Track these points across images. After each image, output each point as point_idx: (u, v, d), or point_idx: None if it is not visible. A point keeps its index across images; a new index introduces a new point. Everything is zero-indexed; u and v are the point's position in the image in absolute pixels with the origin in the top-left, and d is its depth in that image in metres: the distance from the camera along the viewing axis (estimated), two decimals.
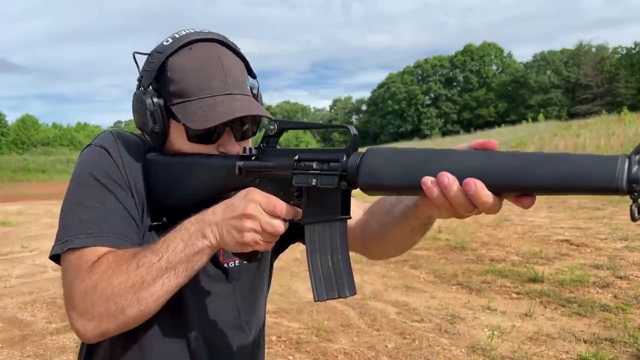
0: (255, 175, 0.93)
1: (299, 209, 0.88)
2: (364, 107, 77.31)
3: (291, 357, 3.65)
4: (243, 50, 1.08)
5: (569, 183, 0.64)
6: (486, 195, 0.68)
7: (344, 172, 0.82)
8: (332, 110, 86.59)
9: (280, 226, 0.86)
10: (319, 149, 0.89)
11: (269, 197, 0.87)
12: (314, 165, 0.85)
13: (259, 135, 1.01)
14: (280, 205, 0.86)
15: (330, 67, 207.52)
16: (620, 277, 5.00)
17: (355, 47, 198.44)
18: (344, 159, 0.82)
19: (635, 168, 0.62)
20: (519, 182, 0.67)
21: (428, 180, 0.71)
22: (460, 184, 0.69)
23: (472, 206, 0.69)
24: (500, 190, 0.69)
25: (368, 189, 0.80)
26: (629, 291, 4.61)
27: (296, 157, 0.88)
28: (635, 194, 0.62)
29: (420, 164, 0.74)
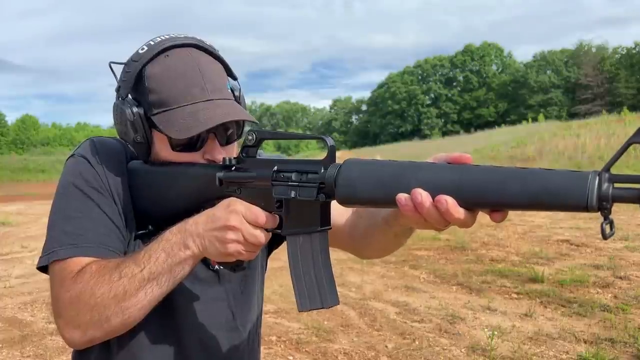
0: (236, 186, 0.93)
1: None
2: (364, 107, 77.20)
3: (291, 357, 3.65)
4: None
5: (540, 200, 0.64)
6: (457, 212, 0.69)
7: (322, 184, 0.82)
8: (332, 111, 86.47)
9: (262, 237, 0.87)
10: (298, 160, 0.89)
11: (250, 208, 0.87)
12: (293, 176, 0.85)
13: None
14: (262, 216, 0.87)
15: (332, 67, 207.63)
16: (620, 277, 5.00)
17: (356, 47, 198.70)
18: (322, 170, 0.83)
19: (605, 185, 0.61)
20: (490, 199, 0.68)
21: (402, 197, 0.72)
22: (434, 200, 0.70)
23: (445, 221, 0.71)
24: (471, 206, 0.70)
25: (345, 202, 0.81)
26: (629, 291, 4.61)
27: (275, 168, 0.88)
28: (606, 211, 0.62)
29: (395, 178, 0.75)
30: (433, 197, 0.70)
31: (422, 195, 0.70)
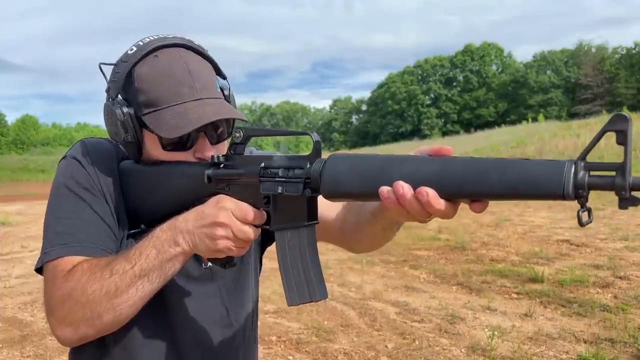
0: (225, 183, 0.95)
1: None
2: (364, 107, 77.17)
3: (291, 357, 3.65)
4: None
5: (518, 189, 0.65)
6: (438, 204, 0.70)
7: (307, 179, 0.84)
8: (332, 111, 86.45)
9: (251, 232, 0.88)
10: (285, 156, 0.91)
11: (239, 204, 0.88)
12: (280, 172, 0.87)
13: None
14: (251, 212, 0.88)
15: (332, 67, 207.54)
16: (620, 277, 5.00)
17: (356, 47, 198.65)
18: (308, 166, 0.84)
19: (581, 174, 0.62)
20: (469, 189, 0.69)
21: (384, 190, 0.73)
22: (415, 192, 0.71)
23: (427, 213, 0.72)
24: (452, 196, 0.71)
25: (331, 196, 0.82)
26: (629, 291, 4.61)
27: (262, 165, 0.90)
28: (582, 199, 0.63)
29: (379, 171, 0.76)
30: (414, 189, 0.71)
31: (404, 188, 0.71)
